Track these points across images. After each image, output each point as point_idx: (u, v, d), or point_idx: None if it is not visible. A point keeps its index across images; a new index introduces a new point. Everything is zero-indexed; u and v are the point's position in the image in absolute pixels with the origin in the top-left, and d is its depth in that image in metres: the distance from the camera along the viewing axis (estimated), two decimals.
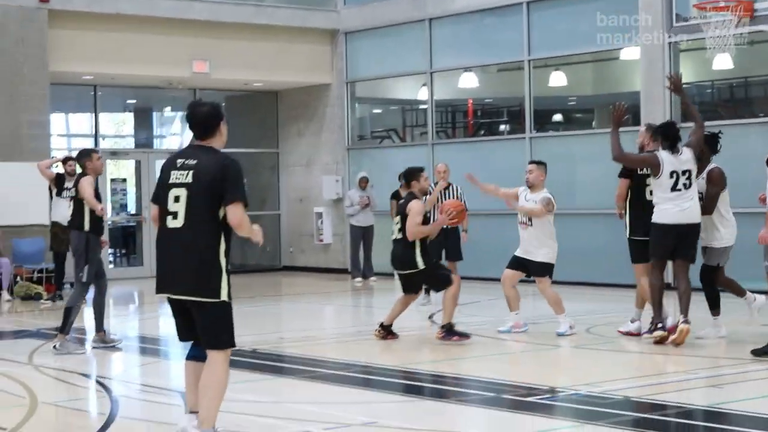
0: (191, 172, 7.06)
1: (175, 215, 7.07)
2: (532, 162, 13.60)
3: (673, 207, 11.61)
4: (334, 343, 13.48)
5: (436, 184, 16.92)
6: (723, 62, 18.10)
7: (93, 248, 12.27)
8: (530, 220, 12.85)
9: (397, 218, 12.85)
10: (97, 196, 12.35)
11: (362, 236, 21.51)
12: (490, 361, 11.53)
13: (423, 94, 22.72)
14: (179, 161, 7.16)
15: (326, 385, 10.02)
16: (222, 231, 7.08)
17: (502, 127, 23.35)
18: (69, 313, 12.16)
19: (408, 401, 9.41)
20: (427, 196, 13.45)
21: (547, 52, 20.39)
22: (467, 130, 23.77)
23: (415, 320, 14.73)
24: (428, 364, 11.35)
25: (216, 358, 7.08)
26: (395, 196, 20.69)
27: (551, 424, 8.29)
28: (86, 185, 12.22)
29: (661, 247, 11.79)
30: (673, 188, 11.61)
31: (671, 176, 11.61)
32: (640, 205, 12.20)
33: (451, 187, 16.78)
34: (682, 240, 11.71)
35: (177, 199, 7.07)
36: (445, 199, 16.48)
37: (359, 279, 21.48)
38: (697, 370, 10.57)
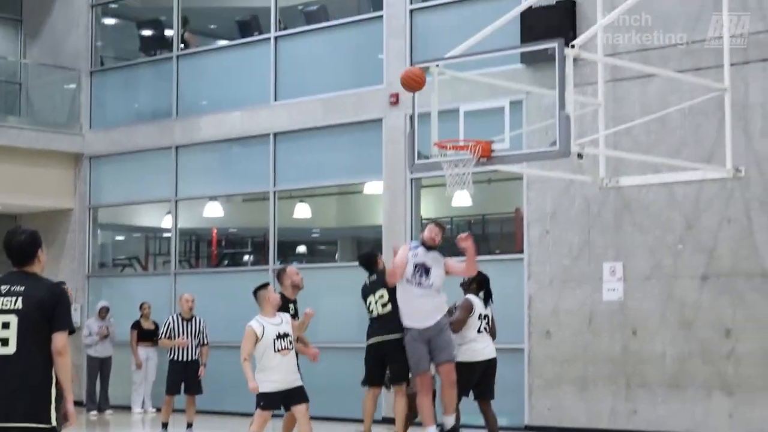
0: (20, 298, 7.08)
1: (5, 342, 7.02)
2: None
3: (478, 345, 12.97)
4: None
5: (179, 314, 16.62)
6: (462, 199, 18.64)
7: None
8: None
9: (381, 291, 13.18)
10: None
11: (100, 368, 20.93)
12: None
13: (167, 222, 22.49)
14: (3, 288, 7.15)
15: None
16: (52, 357, 7.10)
17: (246, 257, 23.34)
18: None
19: None
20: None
21: (293, 183, 20.53)
22: (211, 260, 23.63)
23: None
24: None
25: None
26: (135, 326, 20.34)
27: None
28: None
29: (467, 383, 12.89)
30: (479, 330, 12.99)
31: (479, 318, 13.03)
32: None
33: (194, 320, 16.49)
34: (486, 375, 13.08)
35: (6, 325, 7.04)
36: (187, 334, 16.21)
37: (95, 412, 20.83)
38: None
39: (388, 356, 13.15)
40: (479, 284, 13.36)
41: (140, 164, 22.59)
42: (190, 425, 16.38)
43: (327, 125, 19.60)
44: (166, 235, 22.90)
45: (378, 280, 13.36)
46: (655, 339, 15.65)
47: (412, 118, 14.02)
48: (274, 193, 20.34)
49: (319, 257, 23.85)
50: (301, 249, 23.31)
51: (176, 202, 21.95)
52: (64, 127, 23.19)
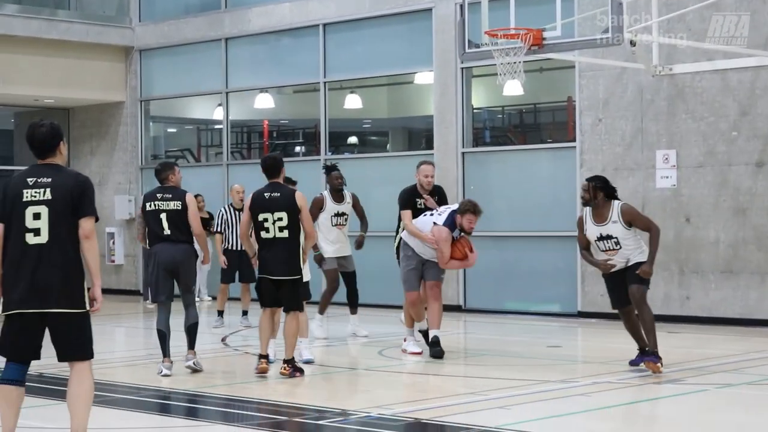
0: (48, 189, 7.27)
1: (37, 232, 7.23)
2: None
3: None
4: (125, 366, 13.23)
5: (230, 205, 16.80)
6: (513, 89, 18.55)
7: None
8: None
9: (281, 213, 11.24)
10: None
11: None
12: (284, 384, 11.44)
13: (218, 114, 22.59)
14: (30, 180, 7.32)
15: (116, 410, 9.83)
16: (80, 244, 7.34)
17: (298, 148, 23.41)
18: None
19: (198, 426, 9.29)
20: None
21: (343, 74, 20.53)
22: (263, 151, 23.74)
23: (208, 343, 14.59)
24: (221, 388, 11.23)
25: (84, 368, 7.35)
26: None
27: None
28: None
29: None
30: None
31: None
32: None
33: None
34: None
35: (37, 216, 7.24)
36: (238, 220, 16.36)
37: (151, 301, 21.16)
38: (487, 392, 10.73)
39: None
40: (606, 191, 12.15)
41: (190, 57, 22.66)
42: (245, 313, 16.64)
43: (376, 15, 19.55)
44: (217, 126, 23.02)
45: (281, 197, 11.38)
46: (708, 226, 15.65)
47: (462, 6, 13.96)
48: (325, 84, 20.35)
49: (370, 148, 23.87)
50: (353, 140, 23.32)
51: (227, 94, 22.03)
52: (114, 20, 23.25)
